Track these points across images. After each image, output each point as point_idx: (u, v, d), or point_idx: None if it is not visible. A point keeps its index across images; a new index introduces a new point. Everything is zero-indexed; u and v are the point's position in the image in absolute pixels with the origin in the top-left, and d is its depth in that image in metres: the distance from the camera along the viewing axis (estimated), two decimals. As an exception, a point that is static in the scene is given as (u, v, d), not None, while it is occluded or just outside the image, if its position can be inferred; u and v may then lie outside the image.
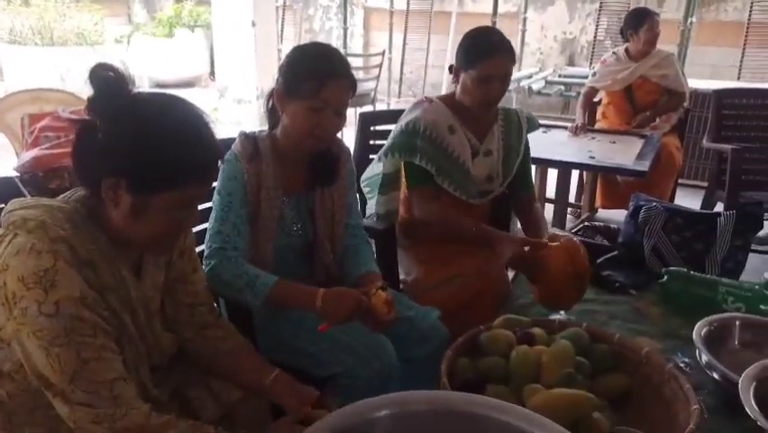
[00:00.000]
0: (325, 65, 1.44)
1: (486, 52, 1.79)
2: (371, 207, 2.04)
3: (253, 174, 1.47)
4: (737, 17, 5.79)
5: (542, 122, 3.72)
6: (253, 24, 6.08)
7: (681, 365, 1.43)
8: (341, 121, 1.48)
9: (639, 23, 3.59)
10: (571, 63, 7.17)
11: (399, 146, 1.90)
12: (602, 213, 3.88)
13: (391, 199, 2.01)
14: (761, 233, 3.59)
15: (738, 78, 5.44)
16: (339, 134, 1.59)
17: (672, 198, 3.56)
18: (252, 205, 1.48)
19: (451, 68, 1.90)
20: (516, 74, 6.10)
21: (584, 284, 1.61)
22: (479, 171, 1.95)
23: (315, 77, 1.41)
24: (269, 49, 6.38)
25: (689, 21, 5.50)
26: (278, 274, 1.53)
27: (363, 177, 2.05)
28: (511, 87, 5.70)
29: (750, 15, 5.39)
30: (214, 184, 1.50)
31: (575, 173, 3.96)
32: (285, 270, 1.57)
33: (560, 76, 6.14)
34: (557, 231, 1.79)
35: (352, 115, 2.44)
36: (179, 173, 1.00)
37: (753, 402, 1.09)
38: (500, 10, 6.60)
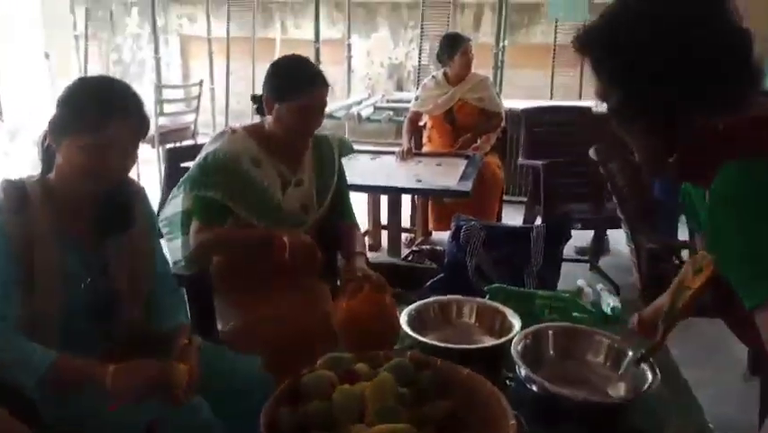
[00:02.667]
0: (111, 100, 1.38)
1: (305, 84, 1.82)
2: (176, 250, 1.94)
3: (19, 227, 1.34)
4: (544, 40, 6.46)
5: (373, 148, 3.88)
6: (47, 56, 5.65)
7: (506, 381, 1.51)
8: (129, 161, 1.42)
9: (453, 48, 3.89)
10: (399, 88, 7.53)
11: (194, 180, 1.85)
12: (437, 235, 4.07)
13: (197, 241, 1.92)
14: (580, 243, 4.03)
15: (551, 98, 6.04)
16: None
17: (498, 216, 3.84)
18: (24, 263, 1.34)
19: (254, 98, 1.89)
20: (345, 101, 6.26)
21: (396, 323, 1.56)
22: (291, 203, 1.95)
23: (98, 112, 1.34)
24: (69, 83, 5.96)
25: (500, 44, 6.04)
26: (68, 339, 1.40)
27: (161, 216, 1.96)
28: (341, 114, 5.87)
29: (555, 38, 6.04)
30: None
31: (407, 198, 4.14)
32: (75, 333, 1.44)
33: (388, 101, 6.41)
34: (360, 264, 1.81)
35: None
36: None
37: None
38: (323, 36, 6.78)
